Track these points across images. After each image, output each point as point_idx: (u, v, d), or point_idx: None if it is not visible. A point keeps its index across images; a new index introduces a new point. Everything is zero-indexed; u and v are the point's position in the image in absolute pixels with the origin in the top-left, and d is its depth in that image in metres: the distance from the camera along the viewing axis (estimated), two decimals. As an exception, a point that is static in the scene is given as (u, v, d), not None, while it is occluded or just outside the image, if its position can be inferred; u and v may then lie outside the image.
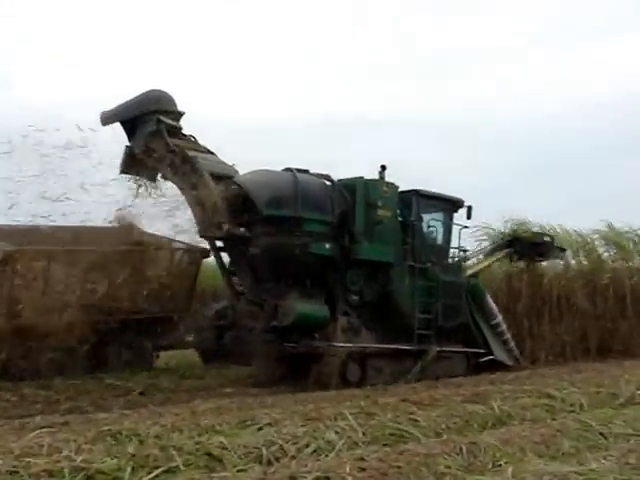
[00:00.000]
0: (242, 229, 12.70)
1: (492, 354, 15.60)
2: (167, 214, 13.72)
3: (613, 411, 9.00)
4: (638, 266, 21.19)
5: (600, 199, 32.96)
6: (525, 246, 17.91)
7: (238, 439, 6.74)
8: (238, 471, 5.88)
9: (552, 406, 9.37)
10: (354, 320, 13.31)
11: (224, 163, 13.53)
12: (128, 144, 13.30)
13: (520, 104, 47.95)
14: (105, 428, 7.12)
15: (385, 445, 7.00)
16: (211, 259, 15.07)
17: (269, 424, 7.60)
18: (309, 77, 49.85)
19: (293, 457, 6.43)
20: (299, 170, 13.05)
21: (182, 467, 5.91)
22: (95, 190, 13.53)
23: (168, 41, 49.60)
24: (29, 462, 5.65)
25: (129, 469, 5.68)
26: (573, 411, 9.24)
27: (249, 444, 6.54)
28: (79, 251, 14.02)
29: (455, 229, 15.65)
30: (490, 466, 6.37)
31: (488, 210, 17.86)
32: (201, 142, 13.73)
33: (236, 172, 13.41)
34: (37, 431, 7.18)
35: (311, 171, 13.40)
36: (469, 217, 15.53)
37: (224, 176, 13.01)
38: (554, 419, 8.64)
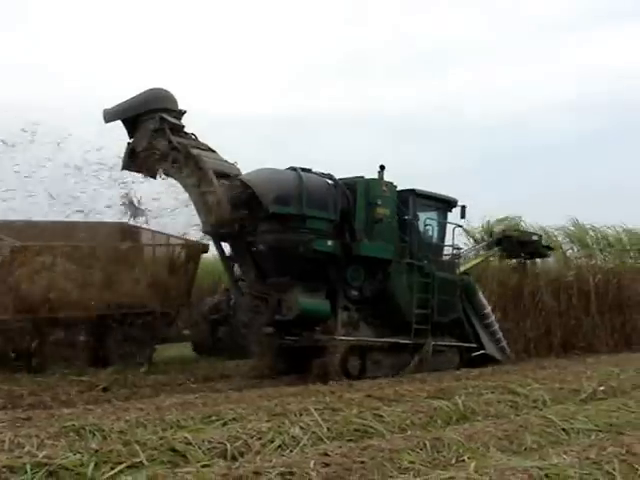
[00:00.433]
0: (241, 226, 12.99)
1: (484, 349, 16.00)
2: (168, 211, 14.41)
3: (575, 407, 9.08)
4: (601, 264, 21.50)
5: (566, 196, 33.30)
6: (514, 245, 18.33)
7: (203, 434, 6.73)
8: (202, 466, 5.85)
9: (515, 402, 9.45)
10: (354, 314, 13.67)
11: (226, 161, 13.78)
12: (129, 141, 13.66)
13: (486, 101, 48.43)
14: (68, 423, 7.07)
15: (349, 440, 7.02)
16: (208, 255, 15.94)
17: (234, 419, 7.61)
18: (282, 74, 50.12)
19: (257, 452, 6.43)
20: (303, 169, 13.32)
21: (146, 462, 5.88)
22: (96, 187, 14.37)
23: (152, 37, 49.74)
24: (-10, 457, 5.59)
25: (92, 465, 5.64)
26: (536, 407, 9.33)
27: (214, 439, 6.53)
28: (84, 247, 14.55)
29: (449, 228, 16.08)
30: (453, 461, 6.41)
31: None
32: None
33: (238, 170, 13.68)
34: (-1, 426, 7.12)
35: (313, 170, 13.68)
36: (463, 216, 15.91)
37: (227, 174, 13.28)
38: (517, 415, 8.71)
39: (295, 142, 39.58)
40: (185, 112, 13.77)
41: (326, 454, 6.16)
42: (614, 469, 5.94)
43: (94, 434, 6.74)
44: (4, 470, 5.36)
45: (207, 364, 15.42)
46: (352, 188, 13.61)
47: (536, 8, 49.36)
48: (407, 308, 14.24)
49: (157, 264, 15.43)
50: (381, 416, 7.99)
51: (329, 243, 13.10)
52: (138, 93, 13.39)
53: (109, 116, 13.42)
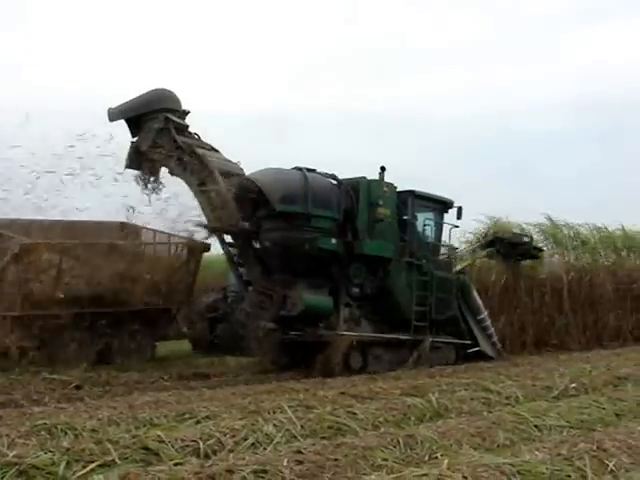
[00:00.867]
0: (247, 224, 13.28)
1: (478, 346, 16.43)
2: (170, 209, 14.55)
3: (547, 404, 9.15)
4: (574, 261, 21.67)
5: (541, 192, 33.56)
6: (506, 246, 18.60)
7: (175, 432, 6.69)
8: (175, 465, 5.80)
9: (489, 399, 9.51)
10: (355, 311, 14.09)
11: (229, 160, 14.13)
12: (133, 140, 14.00)
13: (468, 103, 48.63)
14: (40, 422, 7.01)
15: (323, 438, 7.01)
16: (209, 253, 16.21)
17: (207, 417, 7.59)
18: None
19: (231, 450, 6.41)
20: (307, 169, 13.56)
21: (118, 461, 5.84)
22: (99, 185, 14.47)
23: (151, 37, 49.63)
24: (-41, 457, 5.53)
25: (63, 463, 5.60)
26: (509, 404, 9.38)
27: (186, 437, 6.50)
28: (90, 245, 14.82)
29: (445, 228, 16.49)
30: (427, 458, 6.45)
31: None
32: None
33: (241, 169, 14.03)
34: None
35: (317, 170, 13.93)
36: (459, 217, 16.33)
37: (231, 173, 13.66)
38: (490, 412, 8.75)
39: (295, 142, 39.50)
40: (189, 112, 14.18)
41: (299, 452, 6.15)
42: (585, 465, 6.01)
43: (66, 433, 6.69)
44: (-26, 470, 5.31)
45: (207, 360, 15.58)
46: (355, 188, 13.99)
47: (536, 8, 49.97)
48: (407, 305, 14.71)
49: (158, 262, 15.58)
50: (355, 413, 7.99)
51: (333, 241, 13.52)
52: (142, 93, 13.73)
53: (113, 115, 13.77)
